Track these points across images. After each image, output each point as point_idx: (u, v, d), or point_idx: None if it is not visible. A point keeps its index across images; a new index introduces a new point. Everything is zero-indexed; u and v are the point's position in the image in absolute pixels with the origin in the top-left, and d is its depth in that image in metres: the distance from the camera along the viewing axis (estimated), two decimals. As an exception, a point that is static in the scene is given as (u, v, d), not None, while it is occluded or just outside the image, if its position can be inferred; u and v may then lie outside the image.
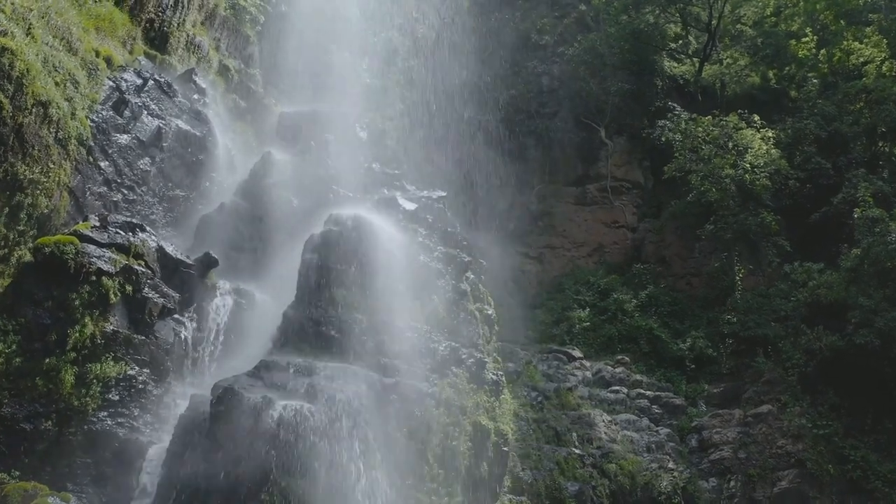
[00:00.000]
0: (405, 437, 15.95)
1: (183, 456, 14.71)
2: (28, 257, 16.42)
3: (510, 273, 38.32)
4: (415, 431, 16.22)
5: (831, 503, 24.84)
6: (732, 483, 25.61)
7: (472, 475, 17.82)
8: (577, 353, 32.23)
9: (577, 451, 25.01)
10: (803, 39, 41.51)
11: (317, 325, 16.60)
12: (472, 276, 21.43)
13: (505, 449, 19.36)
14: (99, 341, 15.88)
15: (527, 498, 22.43)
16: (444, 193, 23.28)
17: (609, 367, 31.12)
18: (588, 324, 34.44)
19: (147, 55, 23.02)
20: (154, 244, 17.83)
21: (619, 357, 31.95)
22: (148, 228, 18.14)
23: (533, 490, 22.88)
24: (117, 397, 15.82)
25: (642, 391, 29.76)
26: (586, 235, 40.20)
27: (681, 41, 45.09)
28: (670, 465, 25.96)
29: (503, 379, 21.23)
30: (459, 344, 19.17)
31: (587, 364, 31.65)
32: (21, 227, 17.05)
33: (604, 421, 27.24)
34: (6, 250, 16.75)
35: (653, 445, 26.84)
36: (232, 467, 14.27)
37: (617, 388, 29.76)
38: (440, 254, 20.07)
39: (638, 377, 30.70)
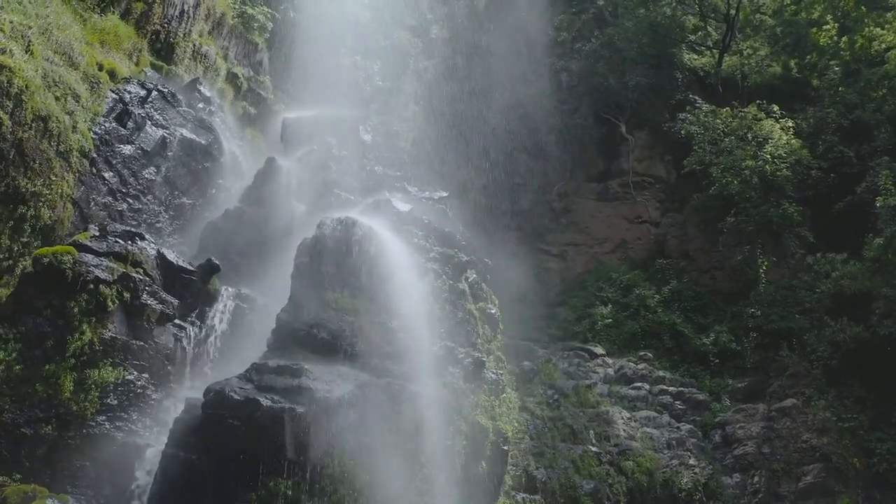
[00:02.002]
0: (395, 438, 16.01)
1: (178, 457, 15.00)
2: (31, 268, 16.87)
3: (532, 271, 38.24)
4: (405, 432, 16.27)
5: (857, 497, 24.31)
6: (756, 478, 25.29)
7: (470, 475, 17.80)
8: (599, 350, 32.05)
9: (593, 449, 24.83)
10: (824, 27, 40.66)
11: (308, 327, 16.82)
12: (474, 275, 21.43)
13: (505, 448, 19.31)
14: (97, 348, 16.29)
15: (541, 496, 22.34)
16: (445, 194, 23.33)
17: (631, 364, 30.89)
18: (610, 320, 34.22)
19: (153, 66, 23.52)
20: (153, 252, 18.21)
21: (642, 353, 31.70)
22: (147, 237, 18.53)
23: (547, 488, 22.76)
24: (115, 402, 16.24)
25: (665, 387, 29.46)
26: (609, 232, 39.86)
27: (700, 33, 44.45)
28: (691, 461, 25.67)
29: (503, 378, 21.21)
30: (456, 343, 19.21)
31: (609, 361, 31.45)
32: (25, 239, 17.51)
33: (623, 418, 27.02)
34: (10, 261, 17.23)
35: (673, 442, 26.55)
36: (222, 468, 14.57)
37: (639, 384, 29.53)
38: (436, 254, 20.14)
39: (661, 373, 30.42)
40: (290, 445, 14.60)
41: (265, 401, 14.79)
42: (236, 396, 14.86)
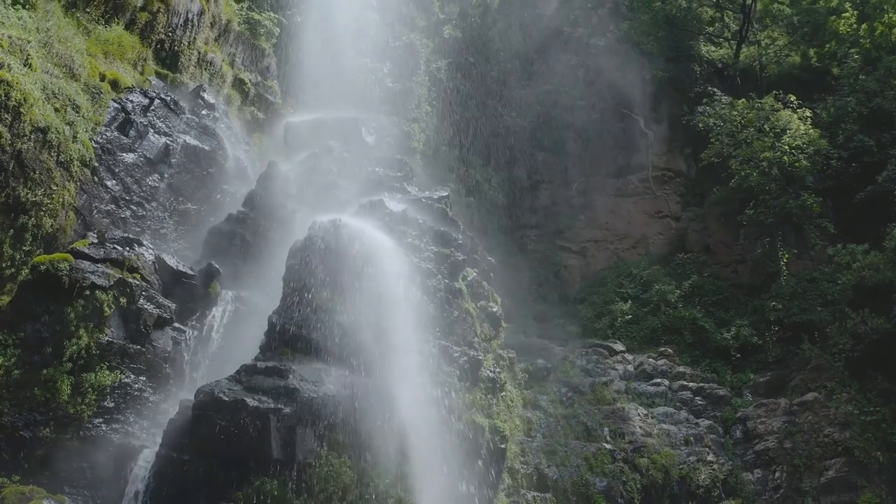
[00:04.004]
0: (384, 437, 16.04)
1: (171, 458, 15.26)
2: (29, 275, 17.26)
3: (552, 268, 38.14)
4: (395, 430, 16.28)
5: (880, 491, 23.87)
6: (778, 474, 25.00)
7: (465, 473, 17.73)
8: (619, 346, 31.78)
9: (607, 446, 24.60)
10: (843, 15, 39.88)
11: (298, 328, 16.95)
12: (474, 274, 21.35)
13: (502, 446, 19.25)
14: (94, 352, 16.58)
15: (552, 495, 22.19)
16: (445, 193, 23.28)
17: (651, 360, 30.62)
18: (630, 316, 34.02)
19: (158, 75, 23.90)
20: (151, 257, 18.51)
21: (663, 349, 31.44)
22: (146, 243, 18.84)
23: (558, 486, 22.60)
24: (112, 404, 16.51)
25: (685, 383, 29.18)
26: (629, 227, 39.60)
27: (717, 24, 43.93)
28: (709, 457, 25.39)
29: (502, 376, 21.08)
30: (451, 342, 19.18)
31: (629, 357, 31.20)
32: (27, 248, 17.93)
33: (639, 415, 26.76)
34: (13, 270, 17.66)
35: (691, 438, 26.28)
36: (212, 468, 14.79)
37: (658, 380, 29.27)
38: (431, 254, 20.12)
39: (681, 369, 30.12)
40: (276, 445, 14.78)
41: (252, 401, 14.98)
42: (225, 397, 15.06)
